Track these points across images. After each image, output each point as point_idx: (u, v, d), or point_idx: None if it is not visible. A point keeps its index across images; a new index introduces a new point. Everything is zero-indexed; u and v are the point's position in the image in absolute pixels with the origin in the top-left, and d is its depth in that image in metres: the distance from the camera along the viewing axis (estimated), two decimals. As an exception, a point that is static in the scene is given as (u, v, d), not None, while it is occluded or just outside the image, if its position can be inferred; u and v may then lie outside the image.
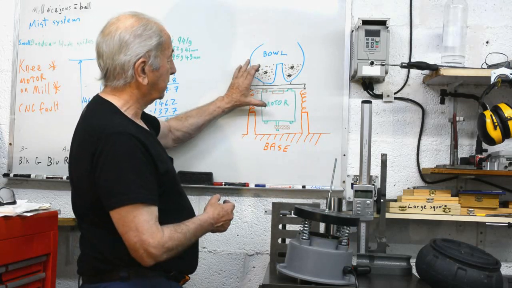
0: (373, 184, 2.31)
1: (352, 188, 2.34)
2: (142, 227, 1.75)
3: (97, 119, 1.88)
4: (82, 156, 1.84)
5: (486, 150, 2.54)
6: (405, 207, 2.49)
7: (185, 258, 1.92)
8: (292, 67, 2.69)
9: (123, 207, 1.76)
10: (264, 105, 2.66)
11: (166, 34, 1.98)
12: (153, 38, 1.92)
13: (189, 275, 2.03)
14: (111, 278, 1.84)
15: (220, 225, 2.02)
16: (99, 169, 1.78)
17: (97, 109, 1.94)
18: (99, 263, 1.86)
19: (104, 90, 1.96)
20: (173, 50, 2.02)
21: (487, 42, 2.70)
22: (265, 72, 2.70)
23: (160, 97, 2.05)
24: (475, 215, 2.47)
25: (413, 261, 2.25)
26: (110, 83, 1.93)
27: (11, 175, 2.77)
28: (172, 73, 2.03)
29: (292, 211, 2.15)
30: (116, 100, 1.93)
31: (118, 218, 1.77)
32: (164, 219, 1.82)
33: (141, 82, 1.91)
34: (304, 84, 2.69)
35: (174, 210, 1.92)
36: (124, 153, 1.78)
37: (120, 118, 1.90)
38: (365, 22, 2.56)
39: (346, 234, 1.96)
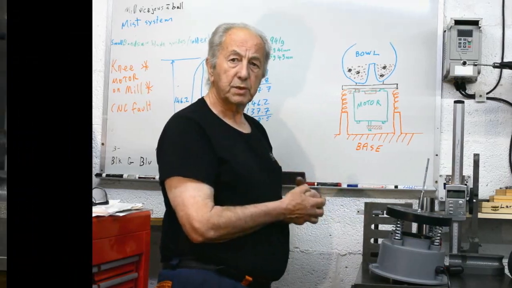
0: (466, 184, 2.29)
1: (444, 188, 2.32)
2: (188, 201, 1.79)
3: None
4: None
5: None
6: (498, 207, 2.48)
7: (244, 254, 1.86)
8: (384, 67, 2.69)
9: (169, 179, 1.84)
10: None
11: (231, 36, 1.98)
12: (215, 36, 2.02)
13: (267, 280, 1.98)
14: (164, 265, 1.93)
15: (294, 217, 1.91)
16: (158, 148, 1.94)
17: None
18: (164, 250, 1.96)
19: None
20: (238, 54, 1.94)
21: None
22: (358, 72, 2.70)
23: (227, 99, 1.97)
24: None
25: (505, 261, 2.24)
26: None
27: (104, 175, 2.78)
28: (239, 77, 1.94)
29: (385, 211, 2.14)
30: (207, 97, 2.05)
31: (168, 193, 1.85)
32: None
33: (210, 80, 2.03)
34: (397, 84, 2.68)
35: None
36: (177, 131, 1.89)
37: (196, 109, 2.00)
38: (457, 22, 2.56)
39: (439, 234, 1.93)
